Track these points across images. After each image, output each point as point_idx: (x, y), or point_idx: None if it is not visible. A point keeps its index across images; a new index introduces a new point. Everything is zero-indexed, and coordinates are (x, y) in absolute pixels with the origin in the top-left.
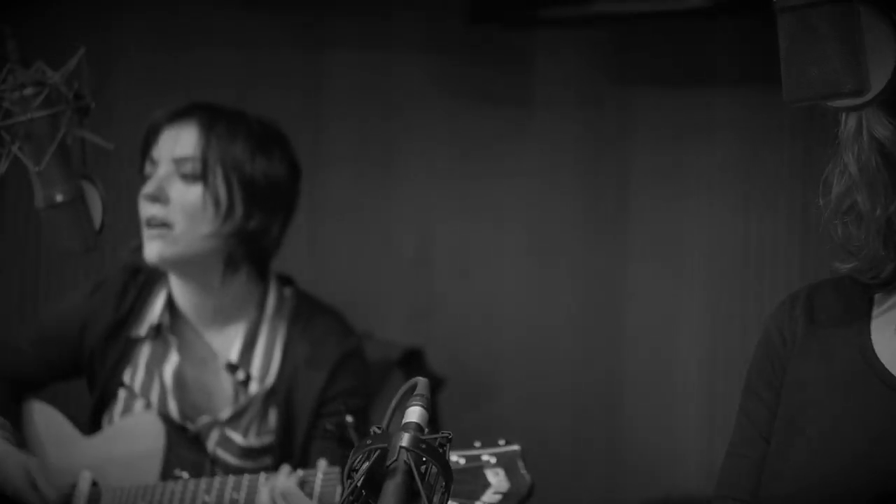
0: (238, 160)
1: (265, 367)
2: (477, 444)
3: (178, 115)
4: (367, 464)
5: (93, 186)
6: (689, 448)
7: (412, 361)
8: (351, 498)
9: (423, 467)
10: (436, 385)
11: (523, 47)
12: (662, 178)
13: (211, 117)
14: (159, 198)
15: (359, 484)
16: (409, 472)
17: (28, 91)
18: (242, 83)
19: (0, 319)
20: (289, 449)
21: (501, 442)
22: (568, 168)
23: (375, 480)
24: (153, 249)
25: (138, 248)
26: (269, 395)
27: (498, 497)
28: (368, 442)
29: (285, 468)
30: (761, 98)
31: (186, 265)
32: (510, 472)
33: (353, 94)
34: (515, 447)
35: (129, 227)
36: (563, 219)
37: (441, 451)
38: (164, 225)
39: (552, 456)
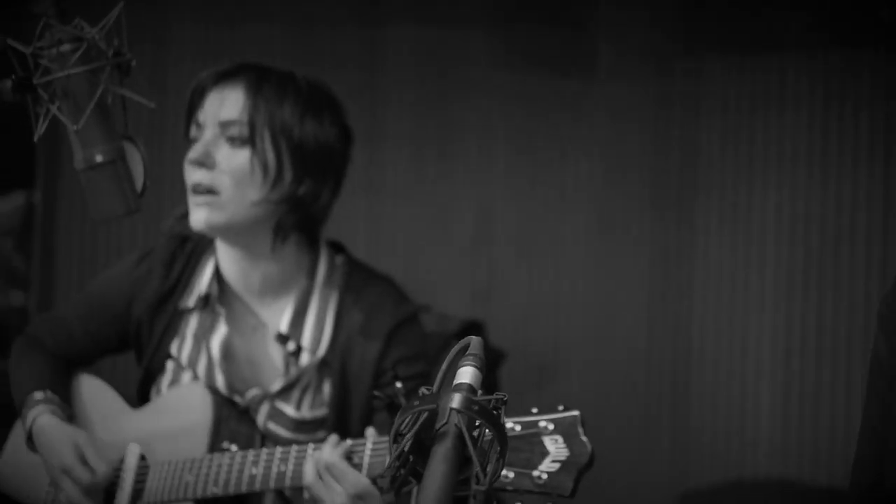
0: (287, 123)
1: (317, 337)
2: (534, 410)
3: (224, 77)
4: (414, 427)
5: (134, 147)
6: (761, 429)
7: (471, 334)
8: (397, 464)
9: (476, 431)
10: (497, 358)
11: (586, 15)
12: (732, 149)
13: (259, 78)
14: (205, 163)
15: (406, 448)
16: (460, 437)
17: (65, 47)
18: (298, 59)
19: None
20: (345, 422)
21: (560, 407)
22: (633, 141)
23: (424, 445)
24: (199, 216)
25: (184, 216)
26: (322, 367)
27: (556, 466)
28: (416, 404)
29: (331, 439)
30: (836, 64)
31: (234, 233)
32: (569, 440)
33: (409, 70)
34: (575, 413)
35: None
36: (628, 193)
37: (495, 413)
38: (211, 191)
39: (618, 438)
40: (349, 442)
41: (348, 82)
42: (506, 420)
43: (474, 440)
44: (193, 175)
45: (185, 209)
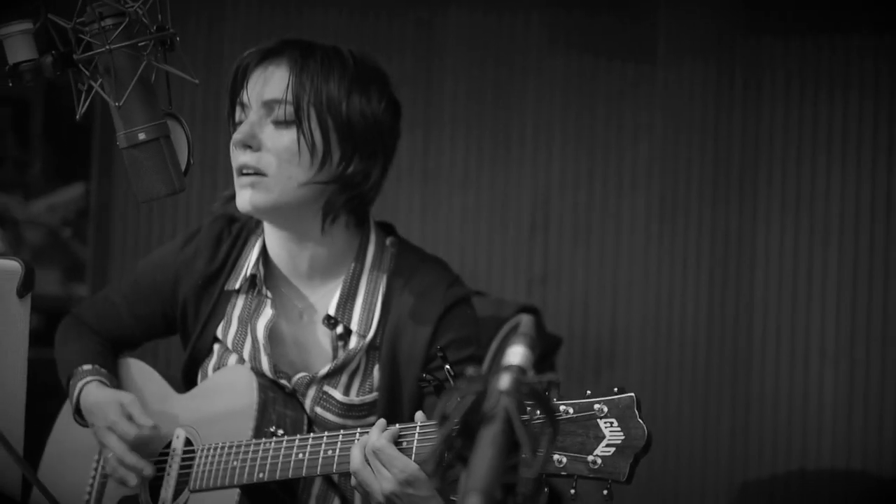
0: (333, 100)
1: (366, 320)
2: (588, 392)
3: (267, 55)
4: (461, 410)
5: (178, 125)
6: (825, 420)
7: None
8: (443, 448)
9: (526, 415)
10: (554, 344)
11: None
12: (794, 132)
13: (303, 55)
14: (251, 145)
15: (452, 432)
16: (508, 420)
17: (107, 22)
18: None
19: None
20: (395, 407)
21: (615, 389)
22: (694, 126)
23: (472, 429)
24: (245, 198)
25: (231, 198)
26: (371, 351)
27: (611, 450)
28: (463, 386)
29: (379, 424)
30: None
31: (281, 214)
32: (625, 423)
33: (466, 56)
34: (630, 395)
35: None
36: (688, 179)
37: (546, 396)
38: (257, 173)
39: (677, 426)
40: (397, 426)
41: (404, 68)
42: (559, 403)
43: (523, 424)
44: (239, 157)
45: (233, 191)
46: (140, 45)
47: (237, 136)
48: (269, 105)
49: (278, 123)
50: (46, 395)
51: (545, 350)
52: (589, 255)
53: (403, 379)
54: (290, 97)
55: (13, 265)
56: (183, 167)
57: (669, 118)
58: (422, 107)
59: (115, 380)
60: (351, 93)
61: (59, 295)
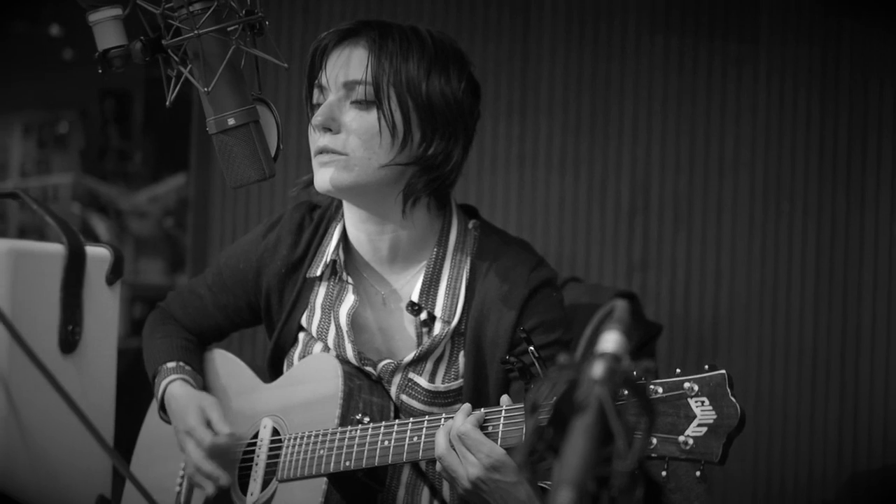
0: (412, 80)
1: (450, 306)
2: (678, 370)
3: (345, 37)
4: (553, 399)
5: (268, 110)
6: None
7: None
8: (534, 438)
9: (620, 404)
10: (654, 331)
11: None
12: None
13: (381, 35)
14: (330, 127)
15: (543, 422)
16: (602, 410)
17: (196, 7)
18: (450, 30)
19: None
20: (481, 393)
21: (706, 367)
22: (799, 106)
23: (564, 418)
24: (324, 176)
25: (309, 183)
26: (456, 337)
27: (703, 430)
28: (555, 373)
29: (464, 408)
30: None
31: (360, 195)
32: (717, 401)
33: (563, 38)
34: (721, 372)
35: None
36: (792, 161)
37: (641, 385)
38: (337, 153)
39: (782, 417)
40: (483, 410)
41: (501, 52)
42: (648, 382)
43: (618, 413)
44: (318, 140)
45: (311, 176)
46: (229, 29)
47: (316, 118)
48: (348, 86)
49: (358, 105)
50: (149, 383)
51: (645, 337)
52: (690, 240)
53: (489, 364)
54: (369, 77)
55: (102, 252)
56: (273, 152)
57: (773, 99)
58: (518, 91)
59: (200, 377)
60: (430, 73)
61: (163, 284)
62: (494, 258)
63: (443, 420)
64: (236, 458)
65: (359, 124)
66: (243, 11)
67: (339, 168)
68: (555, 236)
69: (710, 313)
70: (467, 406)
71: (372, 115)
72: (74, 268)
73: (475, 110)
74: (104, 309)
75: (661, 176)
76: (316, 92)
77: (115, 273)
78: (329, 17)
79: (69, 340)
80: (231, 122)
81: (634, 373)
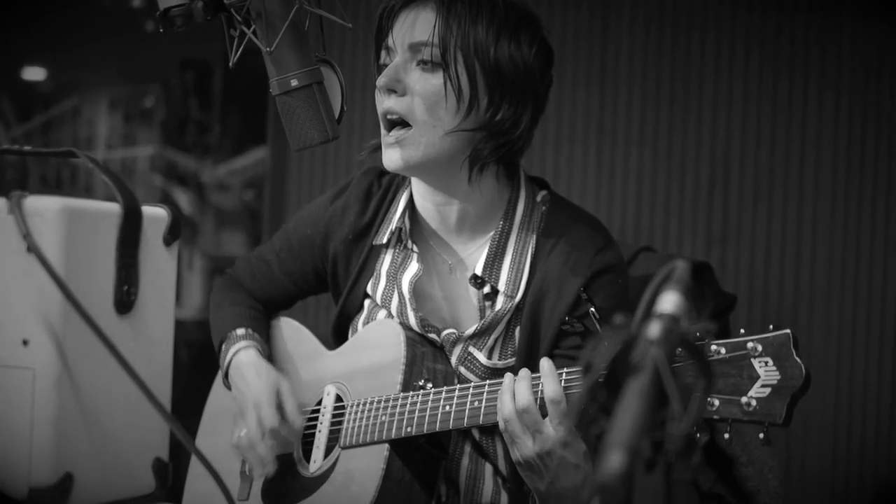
0: (480, 44)
1: (513, 281)
2: (742, 330)
3: None
4: (607, 360)
5: (332, 71)
6: None
7: (698, 276)
8: (587, 399)
9: (677, 365)
10: (729, 303)
11: None
12: None
13: (449, 2)
14: (395, 89)
15: (597, 383)
16: (657, 372)
17: None
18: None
19: None
20: (531, 370)
21: (770, 327)
22: (884, 80)
23: (618, 379)
24: (393, 156)
25: (377, 148)
26: (516, 313)
27: (767, 391)
28: (610, 333)
29: (551, 369)
30: None
31: (429, 169)
32: (781, 362)
33: (644, 10)
34: (786, 331)
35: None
36: (877, 133)
37: (700, 347)
38: (404, 124)
39: (862, 392)
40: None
41: (580, 25)
42: (710, 343)
43: (674, 376)
44: (384, 102)
45: (378, 141)
46: None
47: (382, 80)
48: (414, 48)
49: (424, 67)
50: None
51: (719, 308)
52: (770, 214)
53: (541, 342)
54: (436, 40)
55: (160, 212)
56: (337, 114)
57: (858, 72)
58: (598, 63)
59: (267, 346)
60: (500, 37)
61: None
62: (560, 235)
63: (505, 383)
64: (289, 443)
65: (424, 86)
66: None
67: (406, 146)
68: (632, 209)
69: (790, 289)
70: (548, 362)
71: (438, 78)
72: (130, 227)
73: (547, 76)
74: (161, 270)
75: (742, 149)
76: (383, 54)
77: (172, 233)
78: None
79: (125, 301)
80: (294, 83)
81: (694, 334)
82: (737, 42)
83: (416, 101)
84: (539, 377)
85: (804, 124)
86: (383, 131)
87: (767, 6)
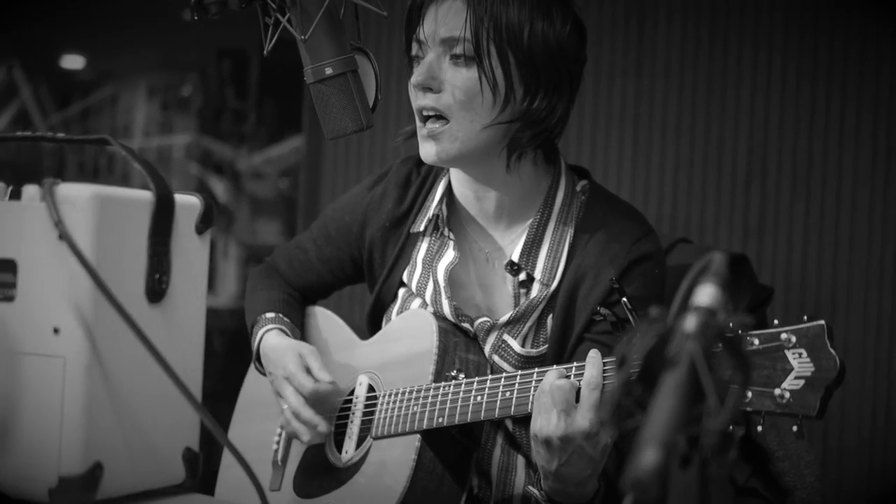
0: (513, 30)
1: (550, 269)
2: (776, 321)
3: None
4: (642, 353)
5: (366, 59)
6: None
7: (735, 268)
8: (621, 394)
9: (713, 360)
10: (766, 295)
11: None
12: None
13: None
14: (431, 86)
15: (631, 377)
16: (693, 366)
17: None
18: None
19: None
20: (560, 359)
21: (805, 318)
22: None
23: (653, 373)
24: (430, 150)
25: (412, 134)
26: (550, 301)
27: (801, 383)
28: (645, 326)
29: (597, 358)
30: None
31: (467, 161)
32: (815, 353)
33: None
34: (820, 322)
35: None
36: None
37: (737, 340)
38: (439, 117)
39: (890, 388)
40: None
41: (616, 14)
42: (743, 334)
43: (710, 370)
44: (419, 100)
45: (413, 127)
46: None
47: (416, 78)
48: (447, 42)
49: (457, 61)
50: None
51: (756, 301)
52: (809, 206)
53: (573, 331)
54: (468, 34)
55: (192, 200)
56: (371, 103)
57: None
58: (634, 51)
59: (298, 331)
60: (533, 21)
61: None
62: (599, 225)
63: (535, 376)
64: (333, 412)
65: (459, 82)
66: None
67: (443, 140)
68: (669, 199)
69: (827, 282)
70: (598, 353)
71: (472, 72)
72: (162, 215)
73: (581, 55)
74: (193, 258)
75: (780, 141)
76: (415, 46)
77: (204, 222)
78: None
79: (156, 289)
80: (328, 71)
81: (730, 326)
82: (776, 31)
83: (451, 98)
84: (580, 365)
85: (843, 116)
86: (419, 124)
87: None
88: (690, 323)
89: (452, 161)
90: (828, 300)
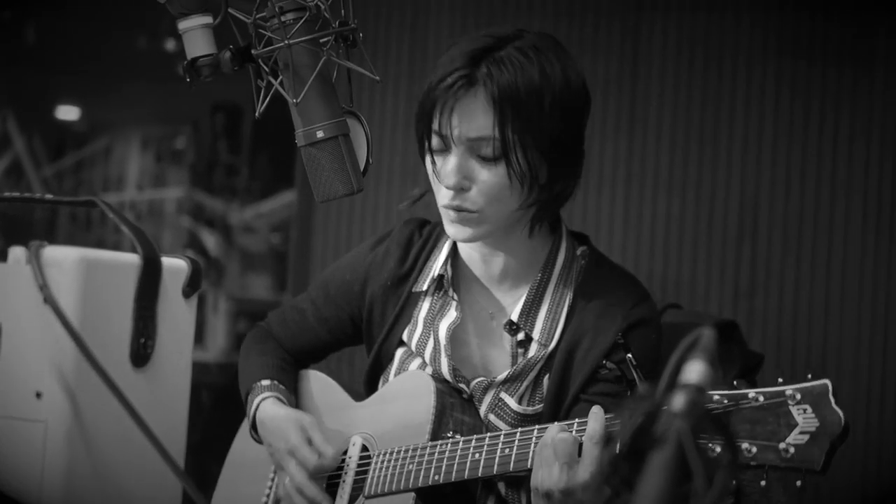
0: (538, 126)
1: (548, 330)
2: (780, 379)
3: (462, 87)
4: (630, 431)
5: (358, 123)
6: None
7: (725, 335)
8: (608, 472)
9: (701, 440)
10: (755, 363)
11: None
12: None
13: (499, 83)
14: (464, 187)
15: (619, 454)
16: (681, 445)
17: (288, 17)
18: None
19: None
20: (556, 418)
21: (808, 376)
22: None
23: (642, 451)
24: (458, 233)
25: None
26: (548, 361)
27: (805, 437)
28: (633, 405)
29: (598, 413)
30: None
31: (492, 237)
32: (819, 409)
33: (674, 58)
34: (825, 381)
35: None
36: None
37: (725, 420)
38: (468, 211)
39: (890, 453)
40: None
41: (610, 72)
42: (748, 391)
43: (698, 450)
44: (451, 200)
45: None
46: (320, 40)
47: (448, 180)
48: (474, 142)
49: (485, 161)
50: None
51: (746, 368)
52: (799, 266)
53: (569, 392)
54: (496, 133)
55: (179, 263)
56: (362, 167)
57: (888, 121)
58: (627, 111)
59: (293, 397)
60: (552, 111)
61: (269, 300)
62: (598, 289)
63: (535, 433)
64: (323, 477)
65: (488, 180)
66: (336, 22)
67: (470, 224)
68: (660, 258)
69: (819, 343)
70: (600, 409)
71: (501, 169)
72: (149, 279)
73: (586, 113)
74: (180, 322)
75: (771, 199)
76: (435, 139)
77: (192, 285)
78: (437, 35)
79: (141, 354)
80: (320, 134)
81: (719, 406)
82: (766, 91)
83: (482, 196)
84: (582, 421)
85: (834, 173)
86: (446, 210)
87: (797, 55)
88: (679, 401)
89: (482, 239)
90: (818, 363)
